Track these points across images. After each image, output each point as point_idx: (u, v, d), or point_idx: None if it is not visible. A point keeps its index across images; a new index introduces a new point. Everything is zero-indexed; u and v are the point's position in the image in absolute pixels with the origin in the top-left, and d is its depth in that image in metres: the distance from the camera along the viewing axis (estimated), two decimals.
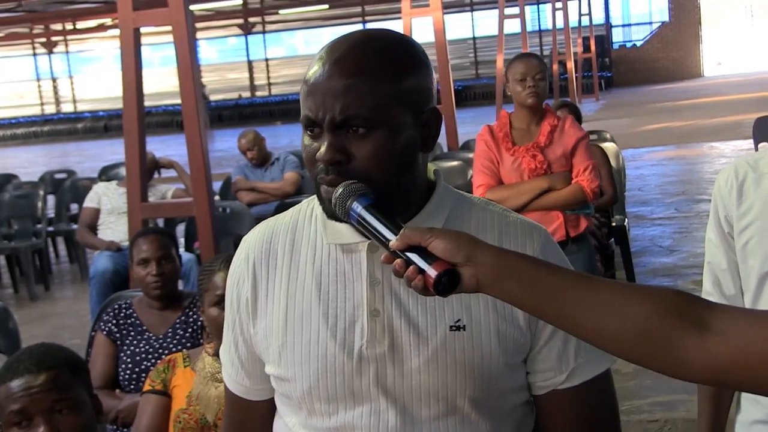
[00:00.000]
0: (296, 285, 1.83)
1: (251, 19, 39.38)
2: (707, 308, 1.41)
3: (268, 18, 39.21)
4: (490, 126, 5.15)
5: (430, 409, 1.77)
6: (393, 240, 1.53)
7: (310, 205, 1.88)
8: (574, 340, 1.80)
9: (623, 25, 40.07)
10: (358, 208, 1.61)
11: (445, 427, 1.78)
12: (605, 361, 1.86)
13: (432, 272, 1.47)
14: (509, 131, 5.06)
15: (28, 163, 16.86)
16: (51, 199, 12.51)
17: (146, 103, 6.18)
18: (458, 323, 1.75)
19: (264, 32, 40.54)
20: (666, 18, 39.01)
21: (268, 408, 1.96)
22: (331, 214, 1.71)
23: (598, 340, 1.48)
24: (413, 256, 1.49)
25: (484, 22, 36.04)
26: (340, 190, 1.63)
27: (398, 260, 1.51)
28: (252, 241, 1.92)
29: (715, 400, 2.57)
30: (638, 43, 39.65)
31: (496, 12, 18.48)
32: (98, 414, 2.58)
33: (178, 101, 6.21)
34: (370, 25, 38.07)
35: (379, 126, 1.67)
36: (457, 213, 1.81)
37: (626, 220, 8.42)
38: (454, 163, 9.59)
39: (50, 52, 41.25)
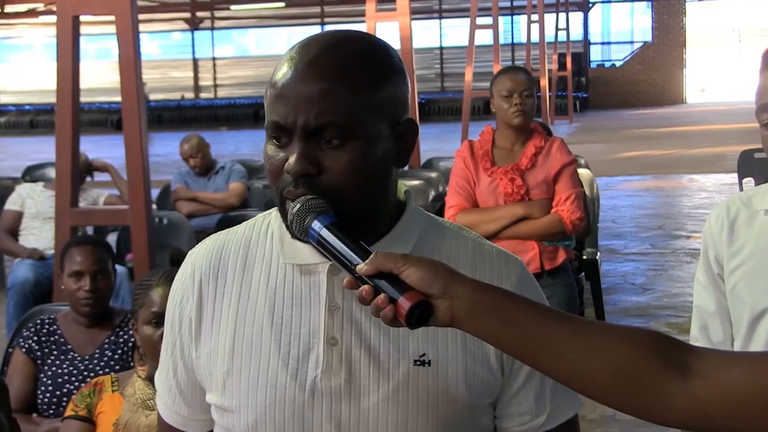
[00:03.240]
0: (247, 307, 1.79)
1: (199, 14, 39.39)
2: (689, 351, 1.44)
3: (217, 14, 39.25)
4: (471, 142, 5.15)
5: None
6: (360, 264, 1.50)
7: (266, 220, 1.85)
8: (550, 381, 1.78)
9: (602, 43, 40.40)
10: (318, 227, 1.58)
11: None
12: (577, 403, 1.86)
13: (405, 303, 1.46)
14: (491, 150, 5.05)
15: None
16: None
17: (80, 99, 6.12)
18: (423, 358, 1.72)
19: (213, 29, 40.52)
20: (649, 38, 39.40)
21: None
22: (295, 234, 1.68)
23: (577, 382, 1.50)
24: (383, 284, 1.48)
25: (453, 32, 36.18)
26: (298, 206, 1.61)
27: (366, 287, 1.49)
28: (199, 256, 1.87)
29: None
30: (617, 63, 40.00)
31: (466, 21, 18.55)
32: None
33: (114, 98, 6.20)
34: (329, 28, 38.27)
35: (355, 137, 1.64)
36: (427, 238, 1.79)
37: (598, 253, 8.48)
38: (416, 182, 9.64)
39: None
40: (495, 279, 1.75)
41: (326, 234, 1.57)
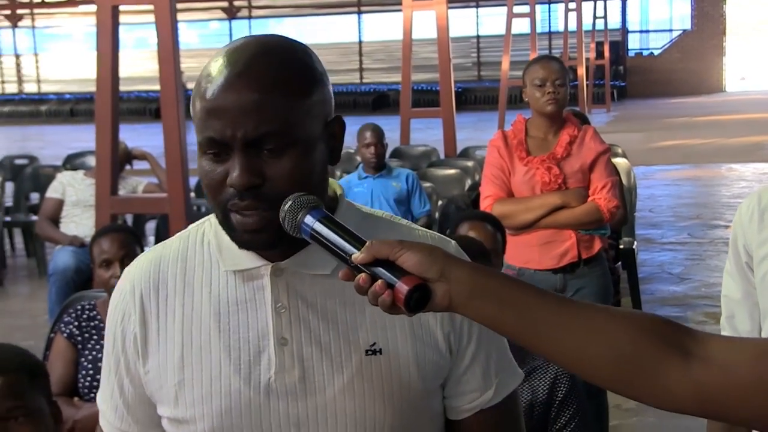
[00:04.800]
0: (192, 317, 1.80)
1: (236, 3, 39.43)
2: (690, 335, 1.43)
3: (255, 2, 39.30)
4: (504, 132, 5.12)
5: None
6: (356, 253, 1.52)
7: (200, 230, 1.85)
8: (493, 356, 1.82)
9: (641, 31, 40.15)
10: (310, 221, 1.59)
11: None
12: (518, 375, 1.90)
13: (403, 287, 1.46)
14: (524, 139, 5.02)
15: None
16: (9, 187, 12.51)
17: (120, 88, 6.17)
18: (374, 347, 1.73)
19: (250, 17, 40.56)
20: (688, 26, 39.11)
21: None
22: (243, 243, 1.70)
23: (578, 365, 1.50)
24: (380, 271, 1.49)
25: (490, 20, 36.05)
26: (289, 203, 1.60)
27: (362, 275, 1.50)
28: (136, 272, 1.87)
29: None
30: (656, 52, 39.75)
31: (503, 9, 18.52)
32: (57, 422, 2.59)
33: (153, 87, 6.22)
34: (365, 17, 38.19)
35: (293, 143, 1.66)
36: (362, 230, 1.70)
37: (635, 243, 8.46)
38: (451, 171, 9.62)
39: (14, 26, 41.17)
40: None
41: (319, 227, 1.57)
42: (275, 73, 1.66)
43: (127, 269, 1.91)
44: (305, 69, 1.71)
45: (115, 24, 5.97)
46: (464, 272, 1.49)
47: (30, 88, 42.05)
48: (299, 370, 1.74)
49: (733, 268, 2.48)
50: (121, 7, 6.03)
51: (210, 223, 1.80)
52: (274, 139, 1.64)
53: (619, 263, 7.90)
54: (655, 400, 1.44)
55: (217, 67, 1.67)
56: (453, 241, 1.87)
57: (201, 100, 1.66)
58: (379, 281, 1.48)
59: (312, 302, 1.71)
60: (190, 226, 1.89)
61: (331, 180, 1.83)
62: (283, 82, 1.66)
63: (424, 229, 1.89)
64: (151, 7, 5.83)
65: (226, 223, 1.70)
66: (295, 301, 1.74)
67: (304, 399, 1.74)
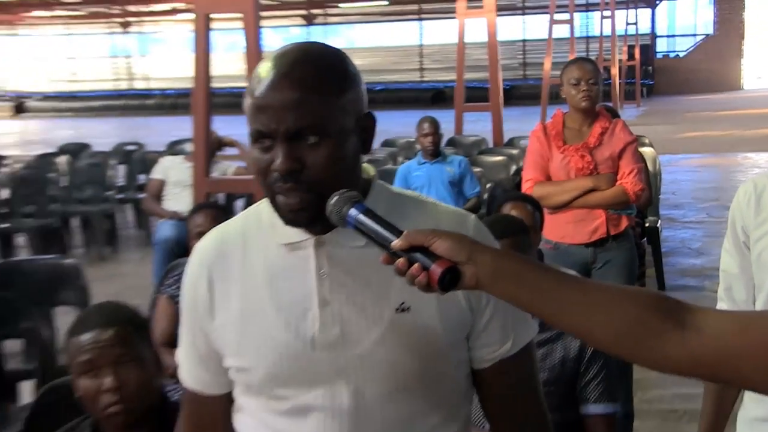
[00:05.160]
0: (249, 282, 1.83)
1: (313, 11, 39.42)
2: (687, 309, 1.43)
3: (329, 11, 39.25)
4: (545, 124, 5.10)
5: (381, 387, 1.78)
6: (395, 241, 1.54)
7: (257, 210, 1.88)
8: (510, 312, 1.82)
9: (668, 36, 39.62)
10: (354, 213, 1.61)
11: (395, 402, 1.80)
12: (533, 329, 1.90)
13: (437, 270, 1.49)
14: (561, 130, 5.01)
15: (101, 134, 17.02)
16: (121, 169, 12.69)
17: (212, 85, 6.23)
18: (403, 305, 1.74)
19: (325, 24, 40.50)
20: (710, 31, 38.54)
21: (225, 403, 1.95)
22: (287, 221, 1.73)
23: (587, 336, 1.52)
24: (416, 256, 1.52)
25: (535, 26, 35.76)
26: (335, 198, 1.63)
27: (401, 260, 1.53)
28: (205, 248, 1.92)
29: (719, 397, 2.61)
30: (681, 54, 39.22)
31: (546, 17, 18.35)
32: (159, 369, 2.65)
33: (241, 84, 6.29)
34: (425, 24, 38.02)
35: (328, 135, 1.68)
36: (394, 207, 1.79)
37: (659, 221, 8.40)
38: (499, 158, 9.60)
39: (125, 32, 41.54)
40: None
41: (363, 219, 1.60)
42: (313, 75, 1.68)
43: (196, 246, 1.95)
44: (339, 71, 1.73)
45: (208, 30, 6.03)
46: (488, 256, 1.51)
47: (138, 84, 42.35)
48: (339, 327, 1.76)
49: (731, 246, 2.49)
50: (214, 15, 6.07)
51: (265, 205, 1.81)
52: (311, 132, 1.67)
53: (645, 239, 7.84)
54: (655, 365, 1.46)
55: (264, 69, 1.70)
56: (472, 215, 1.87)
57: (251, 97, 1.70)
58: (416, 264, 1.51)
59: (349, 269, 1.72)
60: (250, 207, 1.92)
61: (365, 165, 1.86)
62: (319, 83, 1.68)
63: (445, 205, 1.89)
64: (240, 15, 5.87)
65: (273, 203, 1.73)
66: (335, 268, 1.76)
67: (344, 350, 1.76)
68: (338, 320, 1.76)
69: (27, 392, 4.65)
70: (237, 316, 1.83)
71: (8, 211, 10.35)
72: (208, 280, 1.87)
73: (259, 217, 1.85)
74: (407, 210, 1.81)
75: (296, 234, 1.77)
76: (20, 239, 10.00)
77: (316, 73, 1.69)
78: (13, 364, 5.14)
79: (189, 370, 1.96)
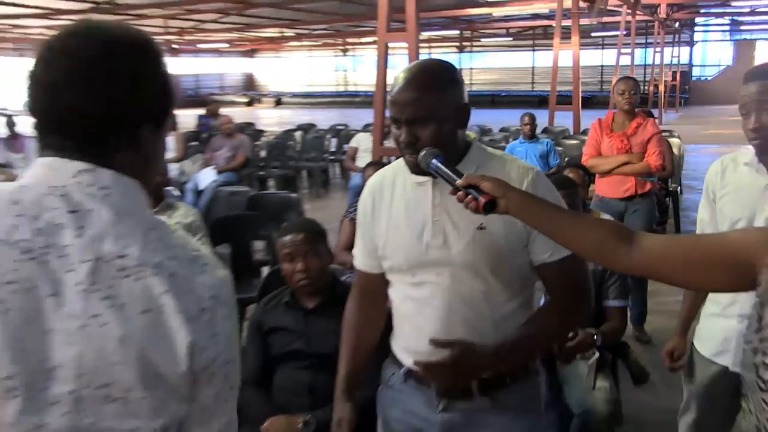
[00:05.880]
0: (393, 206, 1.84)
1: (464, 43, 38.68)
2: (634, 234, 1.41)
3: (474, 43, 38.42)
4: (600, 119, 4.97)
5: (467, 273, 1.75)
6: (459, 180, 1.55)
7: (400, 161, 1.85)
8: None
9: (700, 65, 37.24)
10: (435, 162, 1.64)
11: (477, 282, 1.76)
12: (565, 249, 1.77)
13: (482, 200, 1.51)
14: (610, 123, 4.88)
15: (324, 119, 17.30)
16: (334, 141, 12.91)
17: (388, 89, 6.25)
18: (481, 225, 1.73)
19: (471, 51, 39.71)
20: (731, 62, 36.11)
21: (382, 278, 1.93)
22: (413, 168, 1.73)
23: (573, 248, 1.52)
24: (470, 191, 1.53)
25: (609, 56, 34.16)
26: (423, 152, 1.65)
27: (461, 192, 1.54)
28: (371, 183, 1.93)
29: (691, 299, 2.59)
30: (709, 78, 36.89)
31: (615, 51, 17.65)
32: (330, 260, 2.66)
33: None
34: (538, 54, 36.92)
35: (433, 120, 1.67)
36: (483, 161, 1.78)
37: (680, 187, 8.04)
38: (574, 141, 9.32)
39: (344, 55, 41.86)
40: (520, 178, 1.74)
41: (439, 166, 1.63)
42: (425, 82, 1.68)
43: (368, 181, 1.97)
44: (443, 78, 1.71)
45: (387, 53, 6.04)
46: (516, 195, 1.51)
47: (350, 88, 42.60)
48: (442, 237, 1.77)
49: (705, 204, 2.43)
50: (391, 44, 6.05)
51: (401, 160, 1.83)
52: (422, 118, 1.67)
53: (668, 198, 7.54)
54: (618, 268, 1.47)
55: (399, 77, 1.71)
56: (536, 170, 1.80)
57: (390, 95, 1.72)
58: (470, 196, 1.53)
59: (451, 201, 1.71)
60: (399, 159, 1.91)
61: (468, 132, 1.82)
62: (428, 87, 1.68)
63: (520, 161, 1.83)
64: (405, 44, 5.86)
65: (405, 159, 1.75)
66: (442, 200, 1.76)
67: (445, 251, 1.76)
68: (441, 233, 1.77)
69: (264, 272, 4.83)
70: (385, 226, 1.85)
71: (264, 164, 10.64)
72: (372, 203, 1.89)
73: (402, 166, 1.84)
74: (492, 162, 1.78)
75: (421, 177, 1.78)
76: (270, 182, 10.26)
77: (427, 80, 1.69)
78: (258, 256, 5.32)
79: (361, 259, 1.98)
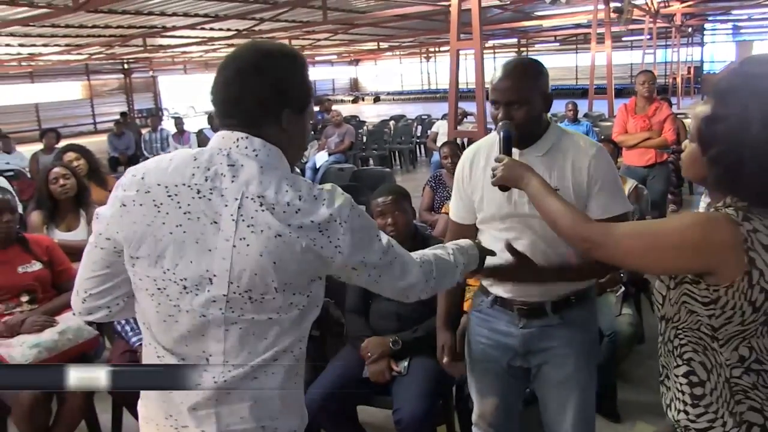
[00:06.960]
0: (486, 170, 1.72)
1: (521, 49, 37.34)
2: (590, 220, 1.31)
3: (530, 48, 37.00)
4: (625, 104, 4.82)
5: (543, 222, 1.57)
6: (500, 156, 1.55)
7: (491, 134, 1.78)
8: (608, 195, 1.65)
9: (710, 61, 34.71)
10: (504, 132, 1.59)
11: (549, 231, 1.56)
12: (620, 207, 1.66)
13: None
14: (634, 107, 4.73)
15: (412, 111, 17.18)
16: (420, 128, 12.82)
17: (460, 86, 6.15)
18: (557, 186, 1.60)
19: (527, 52, 37.99)
20: (734, 59, 33.46)
21: (473, 228, 1.82)
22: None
23: (552, 226, 1.37)
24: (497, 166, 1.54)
25: (635, 55, 32.15)
26: (500, 124, 1.62)
27: (494, 165, 1.55)
28: (467, 153, 1.82)
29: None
30: (716, 72, 34.29)
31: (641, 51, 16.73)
32: (413, 217, 2.56)
33: (473, 86, 6.16)
34: (579, 55, 35.25)
35: (524, 104, 1.63)
36: (558, 140, 1.68)
37: None
38: (609, 123, 8.91)
39: (428, 60, 41.15)
40: (584, 153, 1.65)
41: (503, 137, 1.59)
42: (518, 73, 1.64)
43: (465, 151, 1.85)
44: (533, 71, 1.66)
45: (458, 58, 5.96)
46: (534, 177, 1.46)
47: (432, 86, 41.67)
48: (525, 197, 1.63)
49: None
50: (462, 51, 6.00)
51: (494, 133, 1.71)
52: (516, 102, 1.63)
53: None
54: (579, 246, 1.32)
55: (498, 69, 1.67)
56: (599, 145, 1.69)
57: (491, 83, 1.67)
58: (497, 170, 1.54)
59: (533, 165, 1.58)
60: (492, 133, 1.79)
61: (548, 115, 1.74)
62: (521, 77, 1.64)
63: (585, 137, 1.70)
64: (473, 51, 5.76)
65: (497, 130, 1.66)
66: (535, 159, 1.66)
67: (528, 209, 1.67)
68: (524, 194, 1.60)
69: None
70: (477, 186, 1.76)
71: (365, 147, 10.67)
72: (470, 167, 1.79)
73: (493, 138, 1.75)
74: (565, 138, 1.69)
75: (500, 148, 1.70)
76: (370, 160, 10.27)
77: (521, 72, 1.64)
78: None
79: (456, 212, 1.85)
